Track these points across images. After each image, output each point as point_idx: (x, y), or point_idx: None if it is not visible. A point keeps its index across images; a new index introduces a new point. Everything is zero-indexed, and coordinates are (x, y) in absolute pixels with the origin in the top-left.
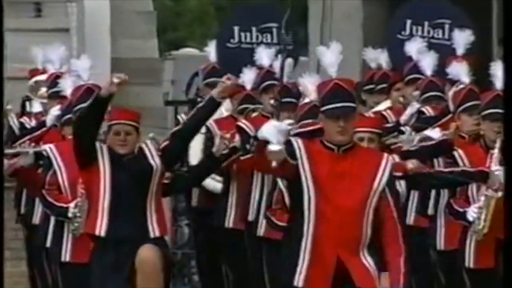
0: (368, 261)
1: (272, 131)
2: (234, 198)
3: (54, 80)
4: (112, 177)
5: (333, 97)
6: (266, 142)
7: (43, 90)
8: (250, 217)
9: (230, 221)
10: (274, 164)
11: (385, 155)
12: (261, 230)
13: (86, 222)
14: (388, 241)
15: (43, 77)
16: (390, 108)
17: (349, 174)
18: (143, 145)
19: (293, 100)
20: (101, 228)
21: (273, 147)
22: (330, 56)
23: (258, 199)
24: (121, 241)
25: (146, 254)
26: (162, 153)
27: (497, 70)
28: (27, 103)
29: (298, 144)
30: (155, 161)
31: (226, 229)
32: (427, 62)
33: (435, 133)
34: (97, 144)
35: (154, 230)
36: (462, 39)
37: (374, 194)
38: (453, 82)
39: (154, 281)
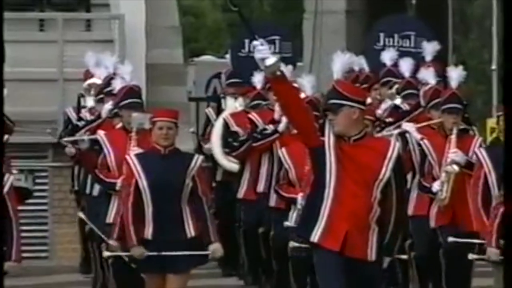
0: (373, 236)
1: (266, 50)
2: (247, 175)
3: (108, 81)
4: (149, 184)
5: (328, 96)
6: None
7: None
8: (260, 189)
9: (242, 193)
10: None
11: (392, 143)
12: (272, 201)
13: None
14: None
15: (95, 80)
16: (369, 104)
17: (361, 160)
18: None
19: None
20: (148, 233)
21: (270, 61)
22: (340, 61)
23: (265, 176)
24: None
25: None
26: None
27: (452, 73)
28: (82, 99)
29: (330, 126)
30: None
31: (239, 199)
32: (406, 66)
33: (409, 127)
34: (129, 159)
35: (190, 230)
36: (430, 48)
37: (382, 179)
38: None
39: None
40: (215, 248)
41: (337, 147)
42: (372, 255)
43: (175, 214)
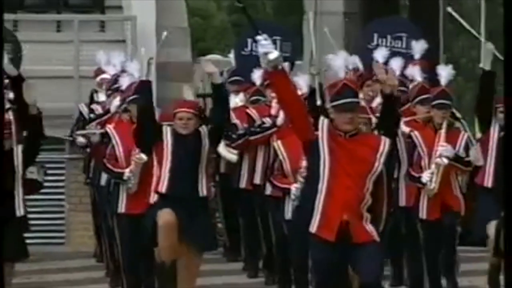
0: (367, 224)
1: (269, 45)
2: (245, 166)
3: (115, 79)
4: (173, 150)
5: (342, 94)
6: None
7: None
8: (256, 181)
9: (243, 183)
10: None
11: (383, 139)
12: (268, 191)
13: (156, 182)
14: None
15: (106, 75)
16: (362, 99)
17: (355, 154)
18: (200, 128)
19: None
20: (163, 187)
21: (273, 55)
22: (338, 61)
23: (261, 168)
24: (177, 197)
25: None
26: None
27: (442, 71)
28: (95, 95)
29: (323, 121)
30: (205, 141)
31: (240, 189)
32: (396, 65)
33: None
34: (164, 127)
35: (202, 191)
36: (418, 47)
37: (375, 172)
38: (411, 80)
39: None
40: None
41: (331, 141)
42: (375, 236)
43: (190, 173)
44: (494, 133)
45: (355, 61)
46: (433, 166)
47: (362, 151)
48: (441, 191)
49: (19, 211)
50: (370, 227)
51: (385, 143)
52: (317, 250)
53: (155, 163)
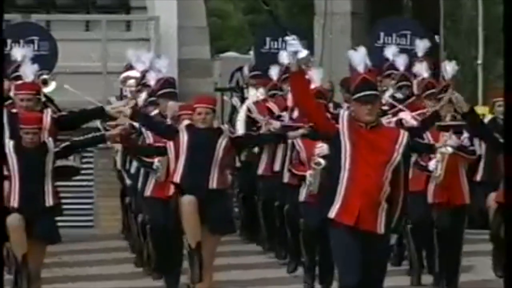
0: (382, 214)
1: (298, 45)
2: (265, 155)
3: (143, 75)
4: (189, 145)
5: (362, 87)
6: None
7: (132, 81)
8: (276, 168)
9: (261, 170)
10: None
11: (402, 131)
12: (286, 178)
13: (172, 174)
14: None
15: (132, 72)
16: None
17: (375, 145)
18: (222, 126)
19: None
20: (177, 177)
21: (302, 54)
22: (358, 56)
23: (281, 157)
24: (191, 187)
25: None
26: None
27: (447, 67)
28: (123, 89)
29: (343, 114)
30: (224, 141)
31: (259, 175)
32: (401, 62)
33: (405, 115)
34: (181, 126)
35: (213, 184)
36: (422, 45)
37: (394, 161)
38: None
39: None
40: None
41: (353, 132)
42: (381, 228)
43: (203, 166)
44: None
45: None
46: (438, 155)
47: (382, 142)
48: (449, 180)
49: (48, 202)
50: (383, 217)
51: (403, 135)
52: (337, 234)
53: (171, 156)
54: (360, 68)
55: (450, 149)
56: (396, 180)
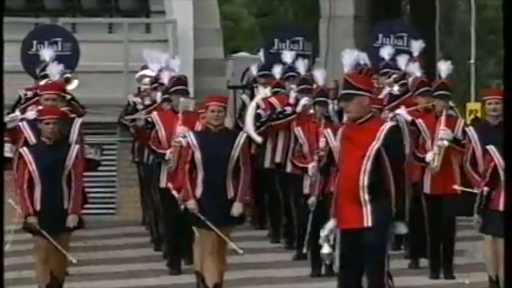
0: (367, 205)
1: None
2: (269, 148)
3: (158, 74)
4: (203, 159)
5: (342, 87)
6: None
7: (147, 80)
8: (277, 159)
9: (267, 163)
10: None
11: (385, 123)
12: (288, 169)
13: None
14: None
15: (147, 71)
16: None
17: (356, 141)
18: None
19: (309, 86)
20: (198, 193)
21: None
22: (347, 58)
23: (281, 149)
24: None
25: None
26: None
27: (442, 66)
28: (141, 87)
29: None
30: (241, 138)
31: (264, 168)
32: (402, 61)
33: (401, 111)
34: (191, 139)
35: (230, 193)
36: (417, 45)
37: (371, 153)
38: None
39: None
40: (236, 206)
41: (343, 135)
42: (368, 221)
43: (220, 180)
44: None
45: (364, 57)
46: (435, 148)
47: (363, 137)
48: (444, 170)
49: (65, 204)
50: (368, 212)
51: (385, 126)
52: (340, 244)
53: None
54: (347, 69)
55: (446, 143)
56: (381, 171)
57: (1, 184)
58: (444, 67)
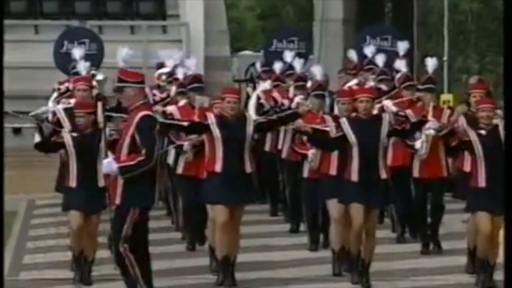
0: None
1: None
2: (270, 133)
3: (173, 70)
4: (222, 138)
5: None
6: None
7: (164, 76)
8: (279, 146)
9: (267, 147)
10: None
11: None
12: (284, 154)
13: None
14: None
15: (164, 69)
16: (357, 84)
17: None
18: (247, 114)
19: (304, 83)
20: (218, 167)
21: None
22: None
23: (283, 135)
24: (229, 175)
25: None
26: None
27: (429, 62)
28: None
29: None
30: (250, 127)
31: (266, 152)
32: (380, 60)
33: (388, 103)
34: (210, 115)
35: (247, 167)
36: (402, 46)
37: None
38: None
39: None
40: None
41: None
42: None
43: (239, 155)
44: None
45: (353, 55)
46: (423, 136)
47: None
48: (431, 156)
49: (100, 183)
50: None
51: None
52: None
53: (206, 147)
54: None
55: (433, 132)
56: None
57: (1, 184)
58: (431, 63)
